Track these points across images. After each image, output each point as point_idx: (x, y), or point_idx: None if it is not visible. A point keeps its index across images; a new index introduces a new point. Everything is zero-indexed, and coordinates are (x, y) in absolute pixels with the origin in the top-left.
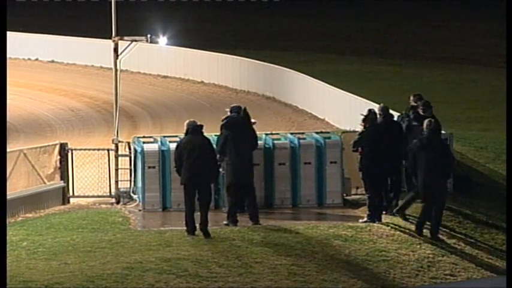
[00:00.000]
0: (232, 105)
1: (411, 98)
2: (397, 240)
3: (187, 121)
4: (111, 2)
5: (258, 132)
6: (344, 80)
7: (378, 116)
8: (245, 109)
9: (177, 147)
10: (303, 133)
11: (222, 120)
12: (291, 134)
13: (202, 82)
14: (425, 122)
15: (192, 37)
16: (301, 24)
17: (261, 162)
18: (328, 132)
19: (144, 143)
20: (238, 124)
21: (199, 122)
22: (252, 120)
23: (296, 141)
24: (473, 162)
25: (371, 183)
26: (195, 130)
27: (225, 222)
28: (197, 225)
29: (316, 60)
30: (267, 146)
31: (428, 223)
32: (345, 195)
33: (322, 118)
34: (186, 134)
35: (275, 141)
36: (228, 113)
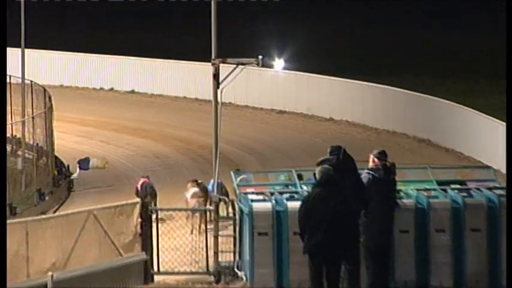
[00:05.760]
0: (332, 146)
1: None
2: None
3: (319, 168)
4: (210, 13)
5: (407, 187)
6: None
7: None
8: (345, 150)
9: (303, 202)
10: (469, 189)
11: (317, 165)
12: (453, 189)
13: (331, 119)
14: None
15: (317, 59)
16: (460, 40)
17: (411, 229)
18: (504, 188)
19: (253, 201)
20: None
21: None
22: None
23: (460, 200)
24: None
25: None
26: (330, 181)
27: None
28: None
29: (485, 88)
30: (419, 206)
31: None
32: None
33: (496, 169)
34: (318, 185)
35: (430, 200)
36: (328, 155)
